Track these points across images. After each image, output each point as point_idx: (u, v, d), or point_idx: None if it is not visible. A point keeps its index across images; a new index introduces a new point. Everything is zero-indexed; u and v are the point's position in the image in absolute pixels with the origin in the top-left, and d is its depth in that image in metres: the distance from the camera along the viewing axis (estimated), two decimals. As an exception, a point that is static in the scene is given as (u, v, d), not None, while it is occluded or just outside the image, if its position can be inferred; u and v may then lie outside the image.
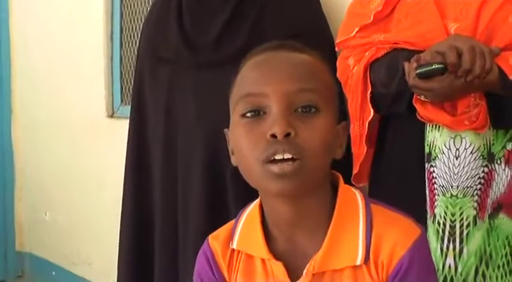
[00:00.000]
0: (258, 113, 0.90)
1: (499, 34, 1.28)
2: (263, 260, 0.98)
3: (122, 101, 2.97)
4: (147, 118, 1.88)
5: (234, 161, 0.96)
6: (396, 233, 0.93)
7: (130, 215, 1.93)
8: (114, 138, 2.87)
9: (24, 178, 3.68)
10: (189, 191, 1.75)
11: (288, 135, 0.87)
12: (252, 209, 1.03)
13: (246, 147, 0.90)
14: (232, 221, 1.06)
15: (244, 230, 1.02)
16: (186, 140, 1.76)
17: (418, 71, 1.25)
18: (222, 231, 1.06)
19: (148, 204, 1.88)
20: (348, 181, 1.61)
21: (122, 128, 2.78)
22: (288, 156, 0.86)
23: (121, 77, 2.96)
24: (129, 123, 1.95)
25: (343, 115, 1.75)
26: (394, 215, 0.97)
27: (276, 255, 0.96)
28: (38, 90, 3.48)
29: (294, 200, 0.93)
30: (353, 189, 1.00)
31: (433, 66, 1.23)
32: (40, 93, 3.46)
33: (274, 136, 0.87)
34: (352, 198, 0.97)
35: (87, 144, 3.12)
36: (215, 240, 1.05)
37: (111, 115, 2.99)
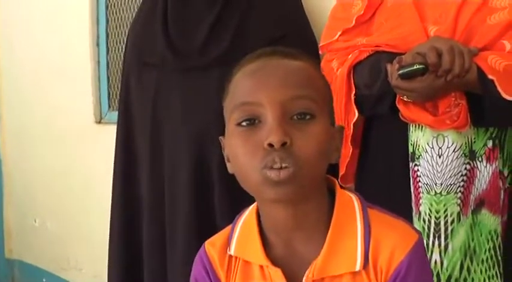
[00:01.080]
0: (253, 121, 0.90)
1: (477, 35, 1.31)
2: (261, 266, 0.97)
3: (109, 106, 2.97)
4: (134, 123, 1.89)
5: (230, 168, 0.96)
6: (394, 238, 0.93)
7: (119, 219, 1.93)
8: (102, 144, 2.87)
9: (12, 184, 3.67)
10: (176, 193, 1.76)
11: (284, 144, 0.87)
12: (248, 215, 1.02)
13: (243, 156, 0.90)
14: (229, 227, 1.05)
15: (241, 236, 1.01)
16: (173, 143, 1.77)
17: (400, 71, 1.28)
18: (218, 237, 1.05)
19: (137, 208, 1.88)
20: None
21: (109, 133, 2.78)
22: (285, 165, 0.87)
23: (108, 82, 2.95)
24: (117, 128, 1.95)
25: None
26: (392, 220, 0.97)
27: (274, 261, 0.95)
28: (25, 96, 3.47)
29: (291, 205, 0.92)
30: (349, 193, 1.00)
31: (415, 67, 1.26)
32: (27, 99, 3.45)
33: (271, 145, 0.87)
34: (349, 203, 0.97)
35: (75, 150, 3.11)
36: (212, 246, 1.04)
37: (99, 121, 2.98)
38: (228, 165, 0.97)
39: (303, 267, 0.95)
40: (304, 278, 0.94)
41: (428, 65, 1.25)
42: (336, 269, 0.93)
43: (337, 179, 1.60)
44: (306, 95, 0.90)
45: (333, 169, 1.67)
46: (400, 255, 0.92)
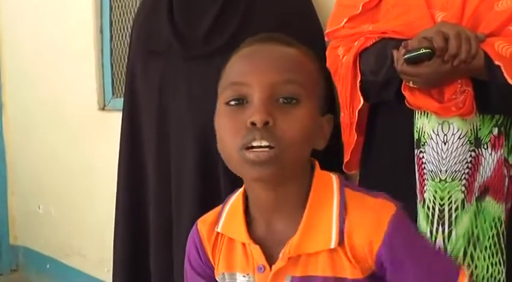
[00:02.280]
0: (241, 101, 0.93)
1: (485, 22, 1.30)
2: (244, 244, 1.02)
3: (113, 93, 2.97)
4: (140, 110, 1.89)
5: (218, 147, 0.98)
6: (371, 216, 0.95)
7: (124, 207, 1.94)
8: (106, 131, 2.88)
9: (16, 171, 3.68)
10: (182, 181, 1.77)
11: (266, 123, 0.90)
12: (237, 195, 1.07)
13: (227, 134, 0.93)
14: (220, 206, 1.10)
15: (228, 215, 1.06)
16: (178, 131, 1.77)
17: (406, 56, 1.27)
18: (210, 214, 1.11)
19: (142, 195, 1.89)
20: (339, 169, 1.66)
21: (113, 120, 2.79)
22: (265, 143, 0.89)
23: (112, 69, 2.96)
24: (122, 116, 1.95)
25: (331, 105, 1.79)
26: (368, 198, 0.99)
27: (256, 240, 1.00)
28: (29, 84, 3.47)
29: (272, 186, 0.96)
30: (331, 174, 1.02)
31: (421, 51, 1.25)
32: (30, 87, 3.45)
33: (253, 124, 0.90)
34: (328, 183, 1.00)
35: (79, 137, 3.12)
36: (203, 223, 1.10)
37: (103, 108, 3.00)
38: (218, 145, 0.99)
39: (281, 245, 0.98)
40: (280, 255, 0.98)
41: (434, 50, 1.24)
42: (312, 247, 0.97)
43: (342, 166, 1.62)
44: (294, 79, 0.93)
45: (338, 156, 1.69)
46: (378, 237, 0.94)
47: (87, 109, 3.03)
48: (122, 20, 2.92)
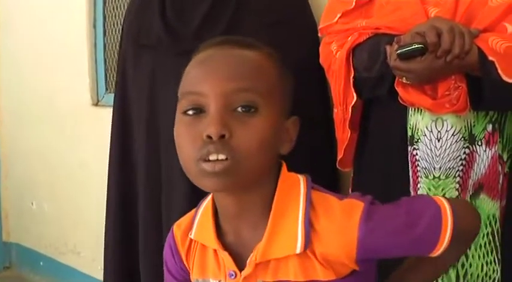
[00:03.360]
0: (198, 111, 0.90)
1: (478, 17, 1.29)
2: (215, 251, 1.01)
3: (106, 89, 2.97)
4: (130, 105, 1.88)
5: (179, 156, 0.95)
6: (339, 218, 0.92)
7: (114, 203, 1.93)
8: (99, 126, 2.86)
9: (9, 167, 3.67)
10: (173, 177, 1.75)
11: (223, 136, 0.87)
12: (208, 200, 1.05)
13: (184, 145, 0.91)
14: (194, 210, 1.08)
15: (200, 221, 1.04)
16: (169, 126, 1.75)
17: (399, 51, 1.26)
18: (185, 219, 1.09)
19: (133, 191, 1.88)
20: (333, 166, 1.65)
21: (106, 116, 2.76)
22: (221, 157, 0.87)
23: (105, 65, 2.95)
24: (113, 111, 1.94)
25: (326, 100, 1.77)
26: (335, 200, 0.96)
27: (226, 246, 0.99)
28: (22, 79, 3.46)
29: (231, 195, 0.94)
30: (299, 176, 0.99)
31: (413, 46, 1.23)
32: (24, 82, 3.44)
33: (209, 137, 0.87)
34: (294, 186, 0.97)
35: (72, 133, 3.11)
36: (178, 228, 1.09)
37: (96, 103, 2.99)
38: None
39: (249, 251, 0.97)
40: (247, 261, 0.96)
41: (427, 45, 1.22)
42: (278, 252, 0.95)
43: (335, 163, 1.61)
44: (251, 87, 0.90)
45: (331, 153, 1.68)
46: (352, 238, 0.91)
47: (80, 105, 3.02)
48: (115, 14, 2.91)
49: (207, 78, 0.90)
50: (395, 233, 0.93)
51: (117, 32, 2.86)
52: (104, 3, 2.94)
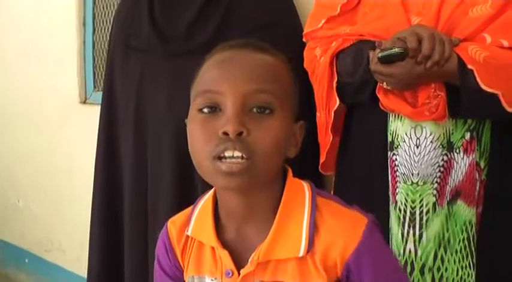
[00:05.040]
0: (214, 109, 0.92)
1: (459, 27, 1.31)
2: (213, 248, 1.02)
3: (94, 87, 2.96)
4: (118, 107, 1.88)
5: (190, 152, 0.97)
6: (343, 227, 0.96)
7: (100, 203, 1.94)
8: (86, 125, 2.85)
9: (-5, 164, 3.66)
10: (159, 179, 1.76)
11: (240, 134, 0.89)
12: (207, 198, 1.06)
13: (198, 142, 0.92)
14: (191, 207, 1.10)
15: (198, 218, 1.05)
16: (157, 128, 1.76)
17: (380, 54, 1.28)
18: (180, 216, 1.10)
19: (119, 192, 1.89)
20: (316, 170, 1.66)
21: (94, 114, 2.76)
22: (237, 154, 0.88)
23: (94, 63, 2.94)
24: (100, 112, 1.95)
25: (309, 107, 1.79)
26: (341, 208, 1.00)
27: (225, 244, 1.00)
28: (9, 76, 3.44)
29: (243, 194, 0.96)
30: (303, 182, 1.02)
31: (394, 50, 1.26)
32: (11, 79, 3.43)
33: (226, 134, 0.89)
34: (300, 191, 1.00)
35: (59, 130, 3.10)
36: (173, 225, 1.10)
37: (84, 101, 2.98)
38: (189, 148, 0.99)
39: (251, 251, 0.98)
40: (249, 260, 0.98)
41: (408, 50, 1.24)
42: (281, 253, 0.97)
43: (318, 167, 1.63)
44: (268, 89, 0.92)
45: (315, 156, 1.70)
46: (350, 248, 0.95)
47: (68, 102, 3.02)
48: (105, 13, 2.90)
49: (225, 78, 0.92)
50: (383, 263, 0.99)
51: (106, 30, 2.86)
52: (94, 1, 2.93)
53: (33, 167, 3.34)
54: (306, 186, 1.01)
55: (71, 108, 3.01)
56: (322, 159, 1.59)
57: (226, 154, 0.89)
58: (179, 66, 1.73)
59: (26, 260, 3.46)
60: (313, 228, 0.96)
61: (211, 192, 1.05)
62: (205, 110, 0.92)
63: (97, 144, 1.95)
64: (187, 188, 1.73)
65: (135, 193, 1.83)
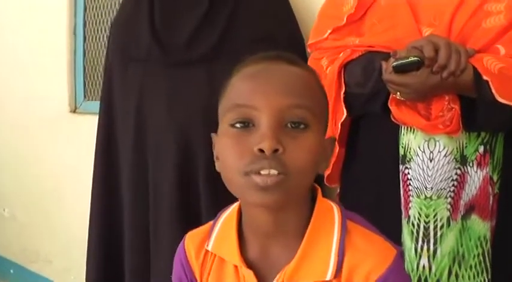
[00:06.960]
0: (247, 124, 0.88)
1: (473, 38, 1.30)
2: (235, 266, 0.98)
3: (84, 96, 2.93)
4: (117, 120, 1.86)
5: (218, 167, 0.94)
6: (372, 254, 0.92)
7: (99, 213, 1.90)
8: (76, 134, 2.84)
9: (-19, 173, 3.59)
10: (160, 188, 1.74)
11: (275, 151, 0.86)
12: (230, 213, 1.02)
13: (231, 157, 0.89)
14: (211, 222, 1.05)
15: (220, 233, 1.01)
16: (157, 139, 1.75)
17: (394, 64, 1.25)
18: (200, 230, 1.06)
19: (118, 201, 1.86)
20: (321, 182, 1.64)
21: (84, 123, 2.74)
22: (273, 172, 0.85)
23: (84, 71, 2.92)
24: (98, 122, 1.91)
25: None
26: (371, 235, 0.96)
27: (248, 263, 0.96)
28: (-1, 84, 3.40)
29: (273, 211, 0.92)
30: (332, 203, 0.99)
31: (410, 59, 1.23)
32: (1, 87, 3.37)
33: (261, 150, 0.85)
34: (329, 212, 0.97)
35: (48, 139, 3.07)
36: (191, 239, 1.05)
37: (74, 110, 2.95)
38: (216, 163, 0.96)
39: (275, 271, 0.95)
40: (274, 281, 0.94)
41: (423, 59, 1.22)
42: (307, 276, 0.93)
43: (323, 179, 1.60)
44: (304, 104, 0.89)
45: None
46: (378, 272, 0.91)
47: (58, 111, 2.98)
48: (95, 21, 2.88)
49: (258, 92, 0.89)
50: None
51: (97, 39, 2.83)
52: (85, 9, 2.91)
53: (20, 176, 3.29)
54: (335, 208, 0.98)
55: (61, 117, 2.97)
56: (328, 172, 1.56)
57: (262, 172, 0.85)
58: (180, 75, 1.72)
59: (11, 271, 3.41)
60: (342, 252, 0.92)
61: (235, 206, 1.01)
62: (238, 125, 0.89)
63: (95, 156, 1.92)
64: (188, 196, 1.71)
65: (135, 202, 1.80)
